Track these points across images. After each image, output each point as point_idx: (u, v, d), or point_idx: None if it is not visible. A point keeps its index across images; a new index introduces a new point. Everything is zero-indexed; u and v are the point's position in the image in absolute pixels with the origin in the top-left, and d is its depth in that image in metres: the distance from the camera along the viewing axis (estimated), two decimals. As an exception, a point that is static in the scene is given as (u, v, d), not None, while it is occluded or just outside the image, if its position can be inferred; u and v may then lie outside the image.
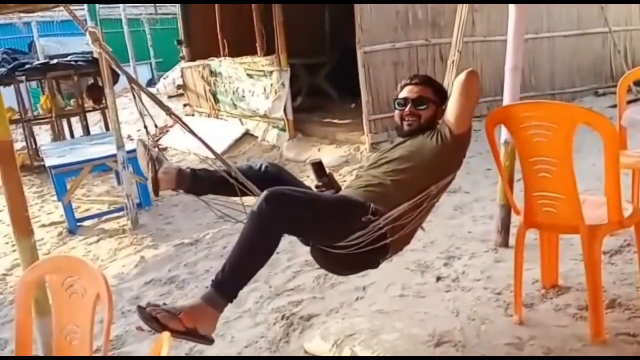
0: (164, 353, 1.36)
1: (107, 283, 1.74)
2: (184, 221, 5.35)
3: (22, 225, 2.35)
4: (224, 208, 2.36)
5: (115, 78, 7.96)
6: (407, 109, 2.47)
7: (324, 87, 8.42)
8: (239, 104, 8.35)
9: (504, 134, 3.23)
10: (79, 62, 8.23)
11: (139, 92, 2.22)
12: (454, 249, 3.58)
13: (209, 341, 1.99)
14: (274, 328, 3.01)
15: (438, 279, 3.19)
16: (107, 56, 2.29)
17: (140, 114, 2.21)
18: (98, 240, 5.23)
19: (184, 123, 2.21)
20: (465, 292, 2.98)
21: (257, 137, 7.92)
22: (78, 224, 5.66)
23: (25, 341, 1.96)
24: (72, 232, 5.53)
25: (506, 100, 3.30)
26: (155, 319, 1.90)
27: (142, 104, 2.19)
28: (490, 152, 2.67)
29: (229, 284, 1.99)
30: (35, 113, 8.97)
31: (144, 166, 2.32)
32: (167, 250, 4.60)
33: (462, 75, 2.32)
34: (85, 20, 5.16)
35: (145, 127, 2.27)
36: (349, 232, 2.11)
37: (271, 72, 7.40)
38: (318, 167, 2.44)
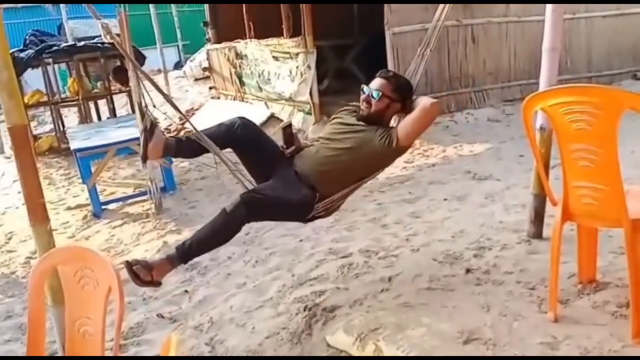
0: (172, 353, 1.28)
1: (119, 277, 1.68)
2: (208, 206, 5.29)
3: (37, 211, 2.29)
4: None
5: (140, 61, 7.93)
6: (363, 96, 2.92)
7: (351, 70, 8.24)
8: (264, 87, 8.24)
9: (539, 119, 3.06)
10: (106, 45, 8.21)
11: (149, 84, 2.71)
12: (484, 240, 3.42)
13: (158, 284, 2.67)
14: (296, 319, 2.92)
15: (467, 271, 3.05)
16: (120, 49, 2.75)
17: (146, 105, 2.73)
18: (122, 224, 5.22)
19: (184, 116, 2.97)
20: (497, 286, 2.83)
21: (282, 121, 7.81)
22: (103, 207, 5.66)
23: (38, 328, 1.94)
24: (96, 215, 5.53)
25: (542, 83, 3.12)
26: (132, 269, 2.51)
27: (146, 95, 2.72)
28: (522, 138, 2.54)
29: (191, 254, 2.68)
30: (63, 95, 9.02)
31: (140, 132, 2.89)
32: (190, 236, 4.54)
33: (427, 102, 2.75)
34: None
35: (146, 105, 2.75)
36: (297, 219, 2.95)
37: (297, 54, 7.26)
38: (287, 129, 3.04)
